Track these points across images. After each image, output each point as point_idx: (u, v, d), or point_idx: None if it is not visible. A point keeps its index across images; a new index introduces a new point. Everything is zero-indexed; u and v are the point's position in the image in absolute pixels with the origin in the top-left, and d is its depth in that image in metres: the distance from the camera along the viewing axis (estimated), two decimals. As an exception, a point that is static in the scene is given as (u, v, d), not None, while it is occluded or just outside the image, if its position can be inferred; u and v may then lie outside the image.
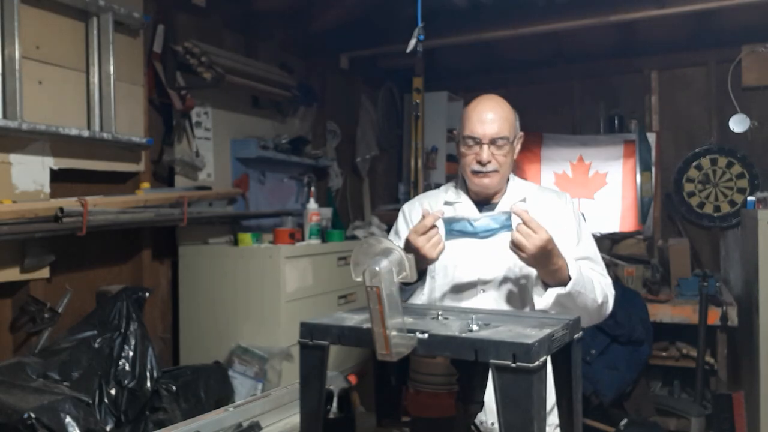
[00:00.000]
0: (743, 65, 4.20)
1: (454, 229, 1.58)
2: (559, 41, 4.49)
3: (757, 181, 4.18)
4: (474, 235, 1.57)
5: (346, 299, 3.28)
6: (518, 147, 1.77)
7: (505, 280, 1.71)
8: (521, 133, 1.77)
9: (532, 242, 1.46)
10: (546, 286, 1.57)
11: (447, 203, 1.81)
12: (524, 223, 1.47)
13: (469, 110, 1.73)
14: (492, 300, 1.70)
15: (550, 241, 1.48)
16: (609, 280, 1.71)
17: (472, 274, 1.72)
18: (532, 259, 1.49)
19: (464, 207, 1.78)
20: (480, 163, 1.69)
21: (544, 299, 1.57)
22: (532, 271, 1.64)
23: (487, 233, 1.58)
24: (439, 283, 1.76)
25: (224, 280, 2.94)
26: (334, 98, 4.35)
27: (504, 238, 1.65)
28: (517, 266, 1.69)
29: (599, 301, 1.63)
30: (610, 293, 1.69)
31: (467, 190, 1.80)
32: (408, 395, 1.11)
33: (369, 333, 0.97)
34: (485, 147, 1.67)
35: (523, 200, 1.76)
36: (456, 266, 1.74)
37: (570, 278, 1.54)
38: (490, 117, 1.68)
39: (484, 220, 1.57)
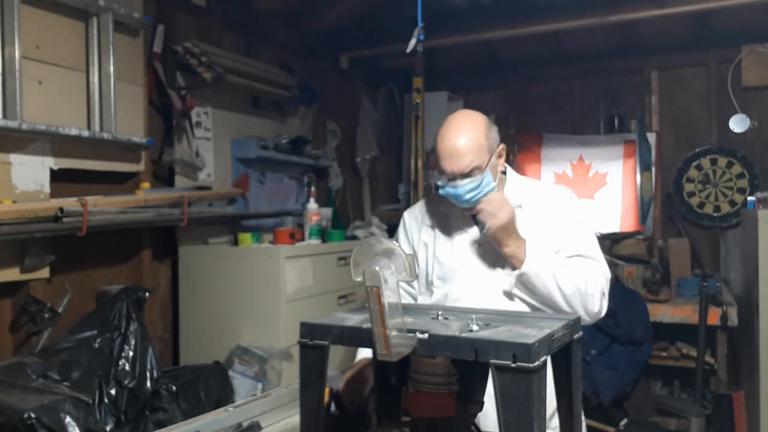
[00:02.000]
0: (743, 65, 4.20)
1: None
2: (559, 41, 4.49)
3: (757, 181, 4.18)
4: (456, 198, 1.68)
5: (346, 299, 3.28)
6: (501, 159, 1.73)
7: (504, 289, 1.70)
8: (502, 145, 1.71)
9: (504, 212, 1.62)
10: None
11: (443, 209, 1.80)
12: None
13: (438, 141, 1.67)
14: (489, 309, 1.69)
15: (513, 214, 1.64)
16: (601, 279, 1.66)
17: (470, 283, 1.71)
18: (500, 229, 1.61)
19: (458, 215, 1.77)
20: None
21: (508, 279, 1.65)
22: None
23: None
24: (439, 293, 1.76)
25: (224, 280, 2.94)
26: (334, 98, 4.35)
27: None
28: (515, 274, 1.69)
29: (568, 291, 1.59)
30: (597, 290, 1.63)
31: None
32: (408, 395, 1.11)
33: (369, 333, 0.97)
34: (458, 180, 1.64)
35: (519, 207, 1.73)
36: (453, 275, 1.74)
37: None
38: (458, 152, 1.63)
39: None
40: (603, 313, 1.66)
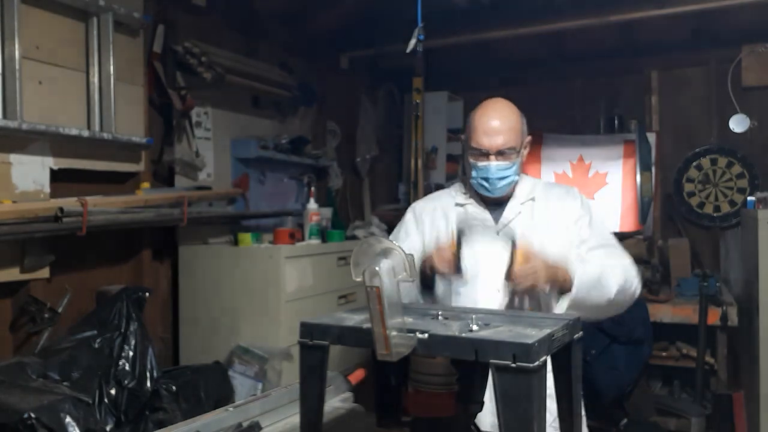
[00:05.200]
0: (743, 65, 4.20)
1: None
2: (559, 41, 4.49)
3: (757, 181, 4.18)
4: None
5: (346, 299, 3.27)
6: (526, 150, 1.78)
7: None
8: (529, 137, 1.78)
9: (541, 273, 1.54)
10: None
11: (458, 204, 1.82)
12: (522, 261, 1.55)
13: (475, 119, 1.72)
14: (507, 300, 1.69)
15: (545, 260, 1.57)
16: (628, 260, 1.75)
17: (489, 276, 1.72)
18: (547, 277, 1.56)
19: (475, 208, 1.78)
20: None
21: (559, 306, 1.64)
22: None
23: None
24: (457, 284, 1.76)
25: (224, 280, 2.94)
26: (334, 98, 4.35)
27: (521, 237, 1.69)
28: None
29: (614, 289, 1.66)
30: (632, 274, 1.72)
31: (477, 192, 1.81)
32: (408, 395, 1.11)
33: (369, 333, 0.97)
34: (492, 158, 1.68)
35: (532, 200, 1.77)
36: (469, 265, 1.73)
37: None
38: (496, 128, 1.68)
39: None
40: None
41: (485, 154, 1.69)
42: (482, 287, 1.72)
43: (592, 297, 1.64)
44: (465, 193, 1.83)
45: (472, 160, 1.72)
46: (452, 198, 1.86)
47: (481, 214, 1.79)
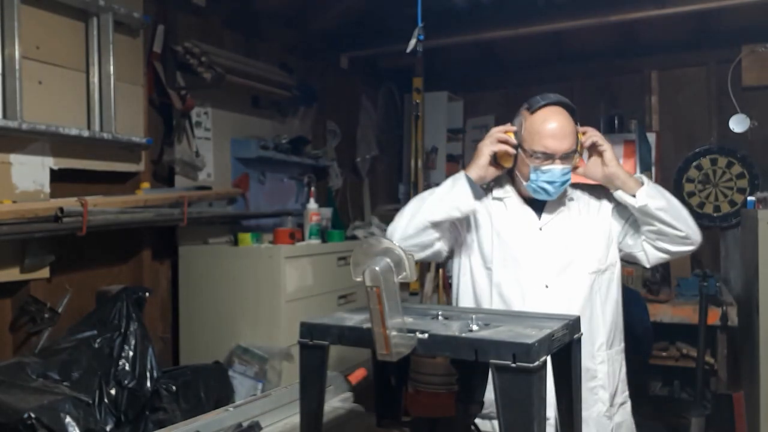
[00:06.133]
0: (743, 65, 4.20)
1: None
2: (559, 41, 4.49)
3: (757, 181, 4.18)
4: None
5: (346, 299, 3.27)
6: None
7: (569, 275, 1.72)
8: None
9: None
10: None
11: (496, 198, 1.82)
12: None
13: (537, 123, 1.71)
14: (556, 296, 1.70)
15: None
16: None
17: (534, 269, 1.73)
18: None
19: (514, 203, 1.80)
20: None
21: (644, 191, 1.67)
22: (595, 266, 1.73)
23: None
24: (501, 278, 1.76)
25: (224, 280, 2.94)
26: (334, 98, 4.35)
27: (566, 234, 1.72)
28: (581, 262, 1.72)
29: (680, 207, 1.72)
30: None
31: (515, 188, 1.82)
32: (408, 395, 1.11)
33: (369, 333, 0.97)
34: (557, 162, 1.69)
35: (571, 199, 1.80)
36: (516, 259, 1.74)
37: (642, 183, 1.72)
38: (562, 132, 1.69)
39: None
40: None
41: (551, 158, 1.68)
42: (528, 284, 1.73)
43: (659, 198, 1.69)
44: (504, 188, 1.83)
45: (533, 164, 1.70)
46: (489, 192, 1.85)
47: (521, 209, 1.79)
